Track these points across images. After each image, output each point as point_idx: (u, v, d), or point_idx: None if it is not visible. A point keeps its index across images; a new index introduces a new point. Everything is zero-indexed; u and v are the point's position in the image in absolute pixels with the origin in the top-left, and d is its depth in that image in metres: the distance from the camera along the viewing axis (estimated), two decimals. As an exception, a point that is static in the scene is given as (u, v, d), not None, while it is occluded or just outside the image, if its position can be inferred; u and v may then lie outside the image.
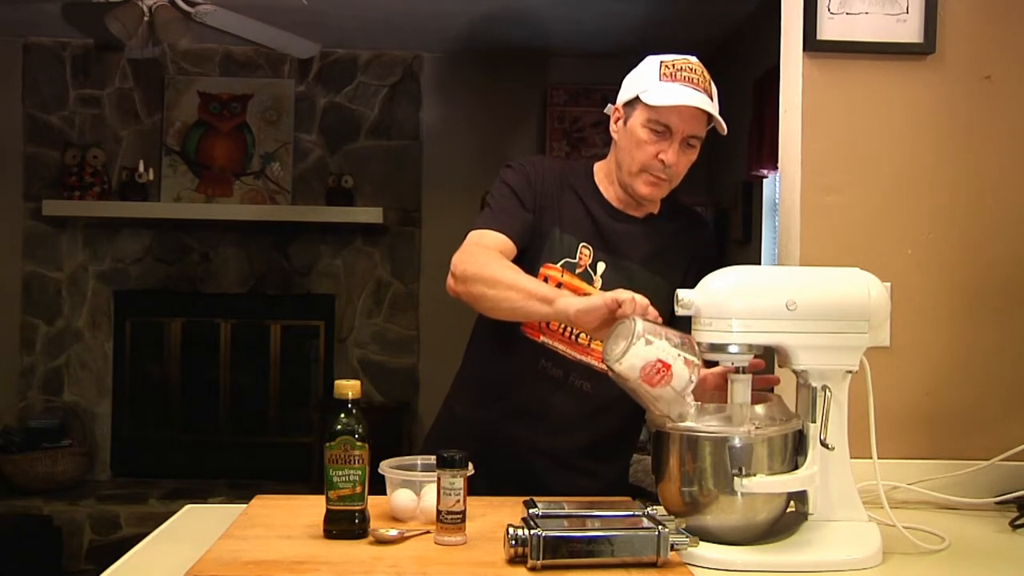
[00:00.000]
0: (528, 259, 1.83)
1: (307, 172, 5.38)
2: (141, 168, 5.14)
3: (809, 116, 1.88)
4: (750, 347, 1.40)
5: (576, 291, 1.81)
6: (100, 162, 5.19)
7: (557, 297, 1.62)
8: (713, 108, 1.78)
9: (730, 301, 1.40)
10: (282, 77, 5.38)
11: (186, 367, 5.42)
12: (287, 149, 5.33)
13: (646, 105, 1.79)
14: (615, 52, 4.89)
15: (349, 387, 1.41)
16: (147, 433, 5.36)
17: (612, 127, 1.89)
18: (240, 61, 5.37)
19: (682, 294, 1.41)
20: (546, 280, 1.82)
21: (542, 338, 1.84)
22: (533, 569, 1.26)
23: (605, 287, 1.83)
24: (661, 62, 1.81)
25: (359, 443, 1.39)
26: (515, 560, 1.28)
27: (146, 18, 3.76)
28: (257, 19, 4.02)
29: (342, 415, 1.40)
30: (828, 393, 1.39)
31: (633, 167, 1.83)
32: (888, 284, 1.50)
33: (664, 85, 1.78)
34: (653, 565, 1.29)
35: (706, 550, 1.34)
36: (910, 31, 1.86)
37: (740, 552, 1.36)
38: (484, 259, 1.75)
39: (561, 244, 1.85)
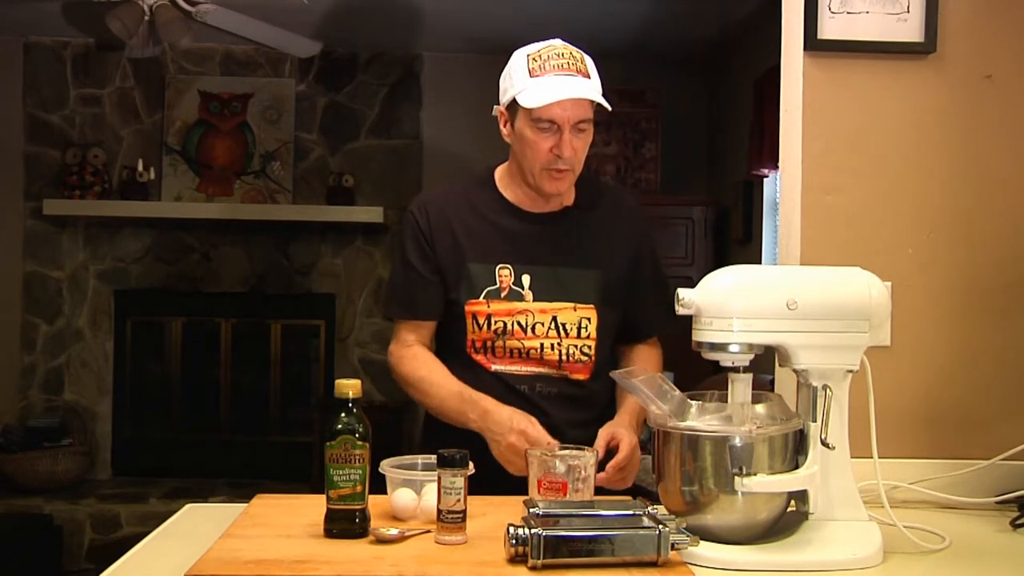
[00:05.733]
0: (452, 302, 1.86)
1: (307, 171, 5.38)
2: (141, 167, 5.14)
3: (810, 115, 1.88)
4: (751, 346, 1.40)
5: (509, 314, 1.83)
6: (101, 161, 5.19)
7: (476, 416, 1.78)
8: (588, 90, 1.75)
9: (731, 300, 1.40)
10: (282, 76, 5.38)
11: (187, 366, 5.42)
12: (287, 148, 5.33)
13: (524, 108, 1.77)
14: (615, 52, 4.89)
15: (350, 386, 1.41)
16: (148, 432, 5.36)
17: (502, 130, 1.88)
18: (240, 60, 5.37)
19: (683, 293, 1.41)
20: (474, 317, 1.84)
21: (494, 367, 1.86)
22: (534, 568, 1.26)
23: (538, 298, 1.84)
24: (528, 56, 1.78)
25: (360, 442, 1.39)
26: (516, 559, 1.28)
27: (147, 17, 3.76)
28: (257, 18, 4.02)
29: (343, 414, 1.40)
30: (829, 392, 1.39)
31: (534, 168, 1.82)
32: (889, 284, 1.50)
33: (536, 82, 1.75)
34: (654, 564, 1.29)
35: (707, 549, 1.34)
36: (911, 30, 1.86)
37: (741, 551, 1.36)
38: (411, 369, 1.92)
39: (479, 276, 1.85)
